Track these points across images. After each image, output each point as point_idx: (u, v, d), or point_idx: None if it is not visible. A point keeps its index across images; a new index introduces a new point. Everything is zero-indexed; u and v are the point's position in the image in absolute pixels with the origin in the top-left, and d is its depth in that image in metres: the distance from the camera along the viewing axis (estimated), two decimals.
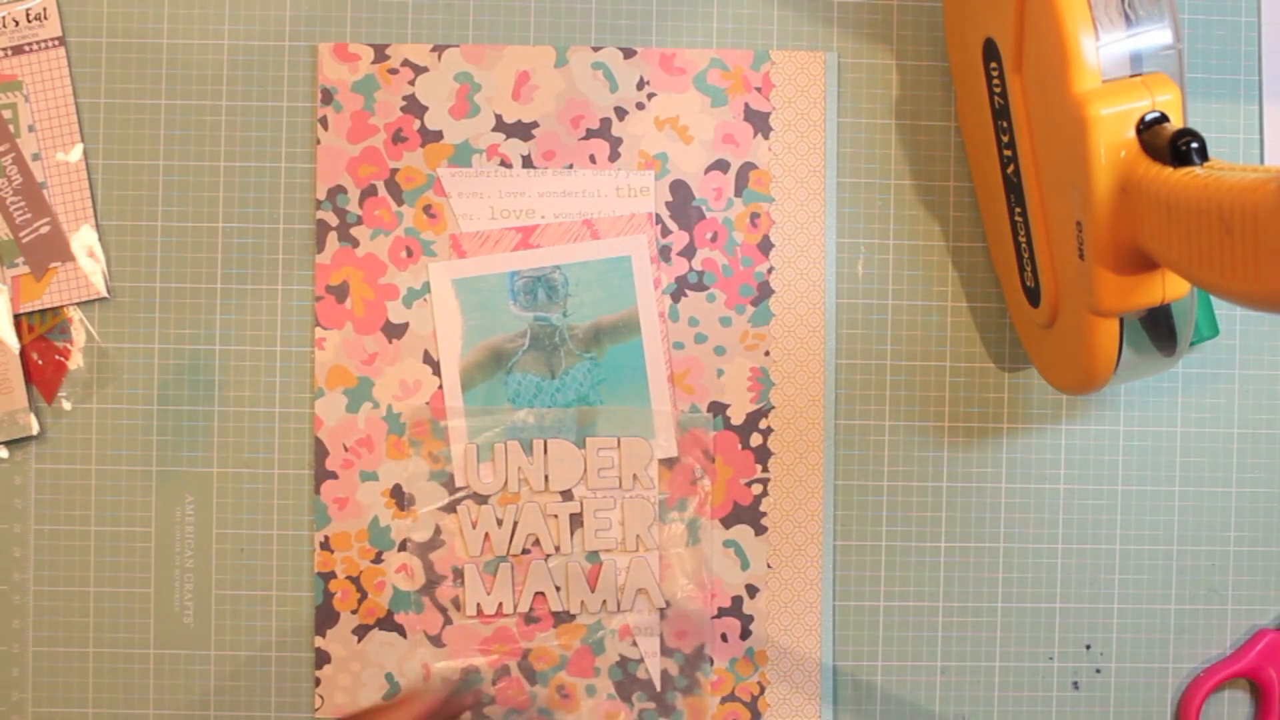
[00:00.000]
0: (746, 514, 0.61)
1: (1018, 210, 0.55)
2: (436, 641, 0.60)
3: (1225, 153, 0.62)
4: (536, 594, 0.60)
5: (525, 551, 0.60)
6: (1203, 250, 0.41)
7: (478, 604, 0.60)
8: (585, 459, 0.60)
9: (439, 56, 0.60)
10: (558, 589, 0.60)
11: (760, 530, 0.60)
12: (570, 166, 0.60)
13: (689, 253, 0.61)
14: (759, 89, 0.61)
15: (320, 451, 0.60)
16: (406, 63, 0.60)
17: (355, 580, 0.60)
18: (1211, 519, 0.62)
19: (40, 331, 0.60)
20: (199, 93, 0.60)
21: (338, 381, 0.60)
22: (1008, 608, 0.61)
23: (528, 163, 0.60)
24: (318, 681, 0.60)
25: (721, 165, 0.61)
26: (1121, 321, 0.49)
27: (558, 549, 0.60)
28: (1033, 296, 0.55)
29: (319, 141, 0.60)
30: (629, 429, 0.60)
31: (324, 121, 0.60)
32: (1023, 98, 0.52)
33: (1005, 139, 0.54)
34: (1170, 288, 0.47)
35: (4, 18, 0.59)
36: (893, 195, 0.61)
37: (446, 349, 0.60)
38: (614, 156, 0.60)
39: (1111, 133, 0.45)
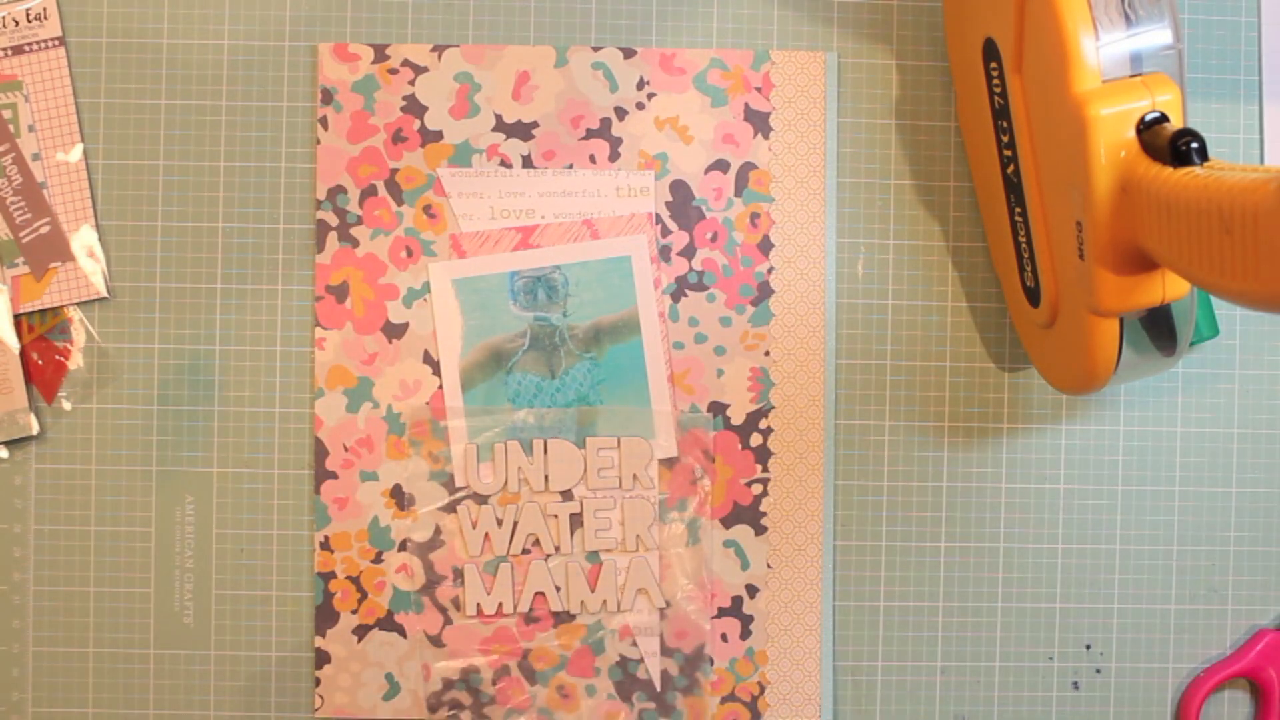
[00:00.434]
0: (746, 514, 0.61)
1: (1018, 210, 0.55)
2: (436, 641, 0.60)
3: (1225, 153, 0.62)
4: (536, 594, 0.60)
5: (525, 551, 0.60)
6: (1203, 250, 0.41)
7: (478, 604, 0.60)
8: (585, 459, 0.60)
9: (439, 56, 0.60)
10: (558, 589, 0.60)
11: (760, 530, 0.60)
12: (570, 166, 0.60)
13: (689, 253, 0.61)
14: (759, 89, 0.61)
15: (320, 451, 0.60)
16: (406, 63, 0.60)
17: (355, 580, 0.60)
18: (1211, 519, 0.62)
19: (40, 331, 0.60)
20: (199, 93, 0.60)
21: (338, 381, 0.60)
22: (1008, 608, 0.61)
23: (528, 163, 0.60)
24: (318, 681, 0.60)
25: (721, 165, 0.61)
26: (1121, 321, 0.49)
27: (558, 549, 0.60)
28: (1033, 296, 0.55)
29: (319, 141, 0.60)
30: (629, 429, 0.60)
31: (324, 121, 0.60)
32: (1023, 98, 0.52)
33: (1005, 139, 0.54)
34: (1170, 288, 0.47)
35: (4, 18, 0.59)
36: (893, 195, 0.61)
37: (446, 349, 0.60)
38: (614, 156, 0.60)
39: (1111, 133, 0.45)
